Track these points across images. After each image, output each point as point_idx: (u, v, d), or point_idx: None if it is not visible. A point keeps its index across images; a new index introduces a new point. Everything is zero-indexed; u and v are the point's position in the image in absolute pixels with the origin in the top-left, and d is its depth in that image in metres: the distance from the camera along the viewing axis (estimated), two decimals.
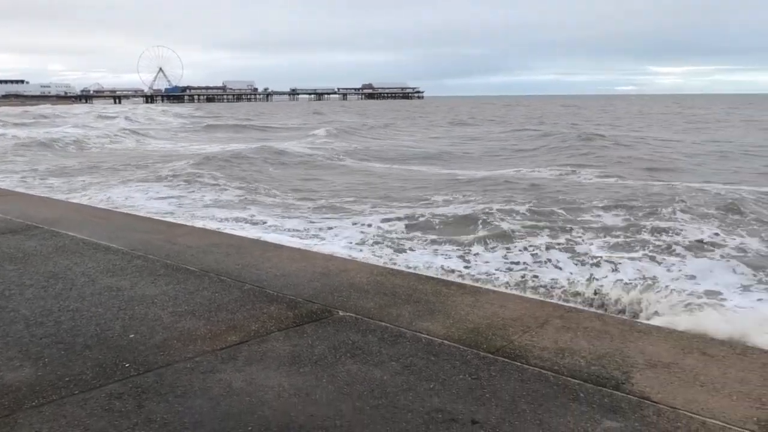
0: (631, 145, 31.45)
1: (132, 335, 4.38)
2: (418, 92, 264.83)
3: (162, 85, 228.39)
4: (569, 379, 3.70)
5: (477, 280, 7.24)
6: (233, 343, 4.23)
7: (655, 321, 5.11)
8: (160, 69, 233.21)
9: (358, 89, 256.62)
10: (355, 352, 4.09)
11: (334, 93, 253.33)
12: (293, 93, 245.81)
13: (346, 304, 5.03)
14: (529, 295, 5.78)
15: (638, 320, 4.91)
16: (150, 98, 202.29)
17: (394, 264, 8.49)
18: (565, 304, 5.23)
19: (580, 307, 5.15)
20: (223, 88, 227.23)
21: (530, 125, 52.58)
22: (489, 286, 5.95)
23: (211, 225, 10.83)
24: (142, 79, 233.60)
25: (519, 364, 3.91)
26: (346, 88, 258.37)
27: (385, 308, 4.94)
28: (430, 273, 6.96)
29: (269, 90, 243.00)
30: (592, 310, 5.09)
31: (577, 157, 26.29)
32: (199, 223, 10.41)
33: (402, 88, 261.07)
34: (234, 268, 6.12)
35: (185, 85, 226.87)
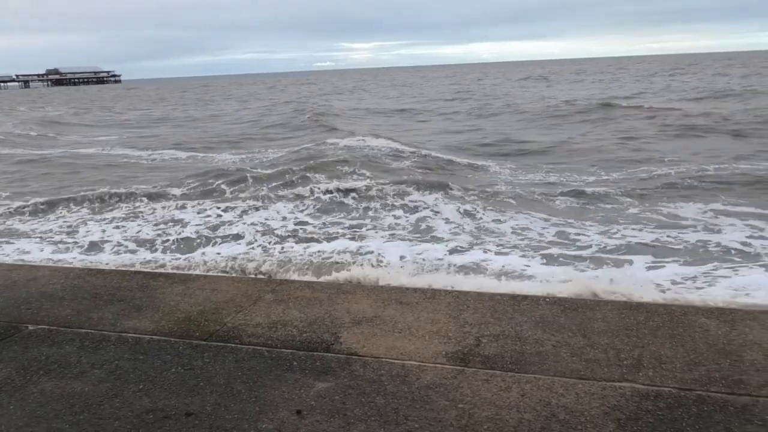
0: None
1: None
2: (115, 76, 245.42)
3: None
4: (283, 350, 3.77)
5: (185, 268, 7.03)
6: None
7: None
8: None
9: (43, 75, 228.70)
10: (50, 367, 3.66)
11: (13, 80, 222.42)
12: None
13: (37, 316, 4.47)
14: (240, 275, 5.75)
15: (344, 282, 5.21)
16: None
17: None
18: (277, 278, 5.32)
19: (292, 278, 5.27)
20: None
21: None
22: (199, 272, 5.78)
23: None
24: None
25: (233, 345, 3.87)
26: (28, 75, 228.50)
27: (84, 313, 4.50)
28: (136, 267, 6.53)
29: None
30: (304, 279, 5.26)
31: None
32: None
33: (95, 73, 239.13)
34: None
35: None
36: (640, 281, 5.72)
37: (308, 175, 13.67)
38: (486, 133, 22.68)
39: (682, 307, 4.33)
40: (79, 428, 3.00)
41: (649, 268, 6.91)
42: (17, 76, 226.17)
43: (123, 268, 6.43)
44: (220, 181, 13.49)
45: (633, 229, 8.73)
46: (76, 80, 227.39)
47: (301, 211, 10.57)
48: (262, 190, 12.41)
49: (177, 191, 12.69)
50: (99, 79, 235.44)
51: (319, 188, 11.90)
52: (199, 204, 11.36)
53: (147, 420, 3.05)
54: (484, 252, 7.57)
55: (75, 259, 7.96)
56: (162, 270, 6.16)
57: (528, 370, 3.40)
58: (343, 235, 8.65)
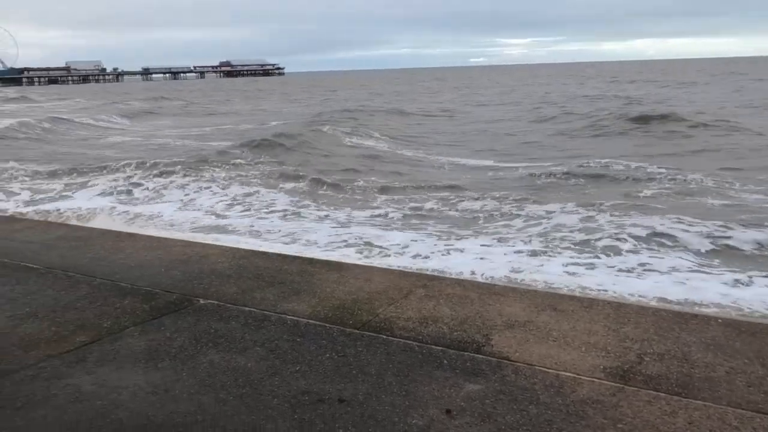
0: None
1: None
2: (279, 68, 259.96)
3: None
4: (433, 346, 3.77)
5: (344, 255, 7.28)
6: (82, 344, 3.91)
7: None
8: None
9: (216, 67, 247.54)
10: (218, 340, 3.92)
11: (191, 71, 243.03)
12: (146, 72, 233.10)
13: (208, 291, 4.82)
14: (392, 266, 5.85)
15: (495, 283, 5.12)
16: None
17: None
18: (428, 273, 5.34)
19: (441, 275, 5.28)
20: (67, 69, 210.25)
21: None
22: (354, 261, 5.95)
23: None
24: None
25: (385, 336, 3.93)
26: (203, 66, 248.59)
27: (248, 292, 4.79)
28: (295, 253, 6.86)
29: (119, 70, 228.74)
30: (453, 277, 5.24)
31: None
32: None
33: (261, 65, 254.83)
34: (82, 263, 5.68)
35: (22, 66, 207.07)
36: None
37: None
38: None
39: None
40: (242, 401, 3.19)
41: None
42: (194, 67, 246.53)
43: (282, 252, 6.76)
44: None
45: None
46: (244, 72, 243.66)
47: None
48: None
49: None
50: (265, 71, 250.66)
51: None
52: None
53: (303, 401, 3.17)
54: None
55: None
56: (320, 257, 6.41)
57: (696, 396, 3.14)
58: None
